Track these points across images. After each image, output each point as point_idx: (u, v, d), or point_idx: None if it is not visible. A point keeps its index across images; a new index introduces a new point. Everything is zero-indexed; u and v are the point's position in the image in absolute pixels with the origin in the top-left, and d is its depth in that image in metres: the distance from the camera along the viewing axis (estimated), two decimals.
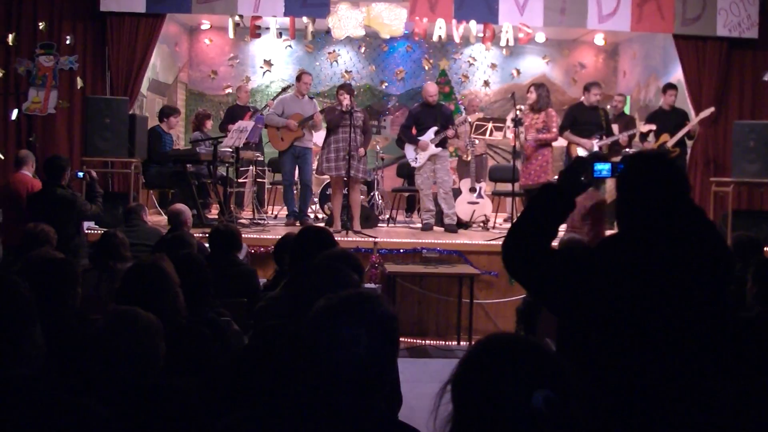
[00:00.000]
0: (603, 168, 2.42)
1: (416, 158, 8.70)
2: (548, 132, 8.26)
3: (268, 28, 10.03)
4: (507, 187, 9.22)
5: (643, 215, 2.23)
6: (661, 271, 2.12)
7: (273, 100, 9.76)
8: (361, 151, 8.30)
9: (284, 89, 9.85)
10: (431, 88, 8.87)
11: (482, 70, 13.05)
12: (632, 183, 2.29)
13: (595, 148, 8.24)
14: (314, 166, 8.98)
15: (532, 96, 8.38)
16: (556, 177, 2.44)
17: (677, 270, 2.12)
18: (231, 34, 10.39)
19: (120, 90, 8.92)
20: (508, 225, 8.65)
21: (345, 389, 1.66)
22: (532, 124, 8.35)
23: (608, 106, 10.22)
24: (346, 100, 8.13)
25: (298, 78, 8.99)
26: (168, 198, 9.28)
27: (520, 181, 8.46)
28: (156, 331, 2.40)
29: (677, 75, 9.96)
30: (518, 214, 9.13)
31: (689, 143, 9.18)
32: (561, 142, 8.80)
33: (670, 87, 9.03)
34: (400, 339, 6.90)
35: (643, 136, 8.78)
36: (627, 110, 10.91)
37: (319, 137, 8.99)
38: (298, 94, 8.92)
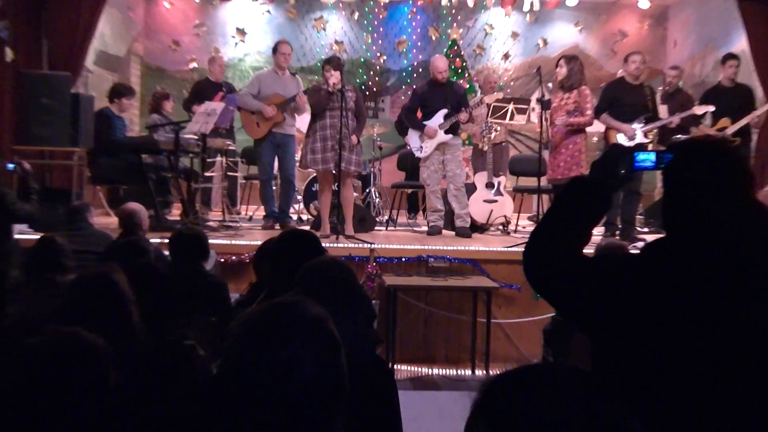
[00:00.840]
0: (646, 158, 2.41)
1: (422, 147, 8.71)
2: (581, 115, 8.24)
3: None
4: (532, 182, 9.23)
5: (694, 216, 2.22)
6: (715, 283, 2.11)
7: None
8: (354, 139, 8.28)
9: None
10: (440, 63, 8.87)
11: (501, 41, 13.08)
12: (682, 177, 2.28)
13: (639, 135, 8.24)
14: (297, 157, 8.99)
15: (562, 71, 8.37)
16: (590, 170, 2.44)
17: (734, 283, 2.11)
18: None
19: (61, 64, 8.91)
20: (533, 227, 8.64)
21: (299, 424, 1.65)
22: (562, 106, 8.35)
23: (661, 86, 10.18)
24: (334, 77, 8.12)
25: (275, 49, 9.00)
26: (120, 195, 9.28)
27: (547, 174, 8.48)
28: (105, 358, 2.39)
29: (740, 45, 9.96)
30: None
31: (755, 131, 9.18)
32: (597, 127, 8.80)
33: (731, 57, 9.01)
34: (403, 367, 6.86)
35: (698, 119, 8.78)
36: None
37: (303, 122, 9.00)
38: (277, 68, 8.93)
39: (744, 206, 2.22)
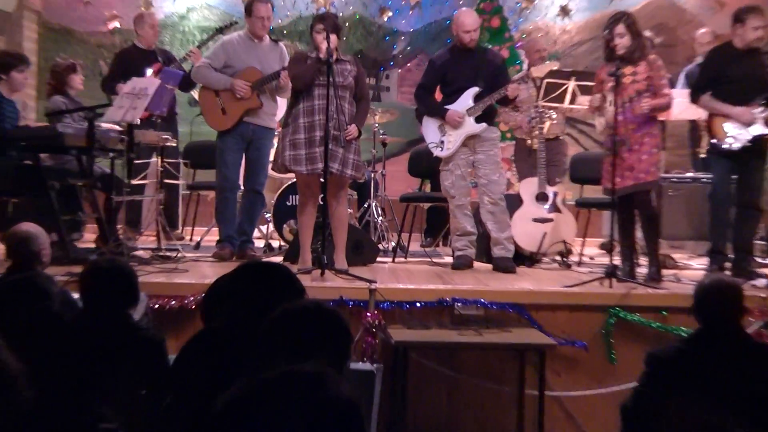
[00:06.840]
0: None
1: (442, 142, 8.71)
2: (654, 95, 8.05)
3: None
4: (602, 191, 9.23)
5: None
6: None
7: (198, 47, 9.80)
8: (354, 131, 8.04)
9: (219, 30, 9.86)
10: (467, 19, 8.87)
11: None
12: None
13: (758, 123, 8.16)
14: (270, 157, 8.94)
15: (624, 41, 8.04)
16: None
17: None
18: None
19: None
20: (606, 258, 8.62)
21: None
22: (628, 84, 8.12)
23: None
24: (327, 42, 7.83)
25: (248, 9, 8.98)
26: (8, 213, 9.29)
27: (614, 183, 8.10)
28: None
29: None
30: (619, 238, 8.89)
31: None
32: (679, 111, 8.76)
33: None
34: None
35: None
36: None
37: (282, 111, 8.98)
38: (252, 35, 8.93)
39: None
